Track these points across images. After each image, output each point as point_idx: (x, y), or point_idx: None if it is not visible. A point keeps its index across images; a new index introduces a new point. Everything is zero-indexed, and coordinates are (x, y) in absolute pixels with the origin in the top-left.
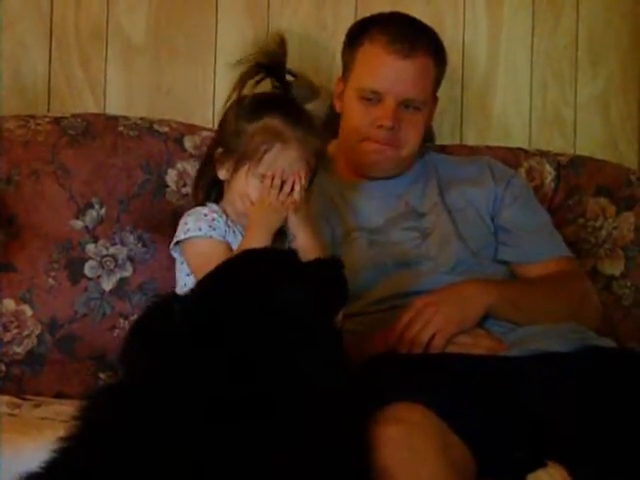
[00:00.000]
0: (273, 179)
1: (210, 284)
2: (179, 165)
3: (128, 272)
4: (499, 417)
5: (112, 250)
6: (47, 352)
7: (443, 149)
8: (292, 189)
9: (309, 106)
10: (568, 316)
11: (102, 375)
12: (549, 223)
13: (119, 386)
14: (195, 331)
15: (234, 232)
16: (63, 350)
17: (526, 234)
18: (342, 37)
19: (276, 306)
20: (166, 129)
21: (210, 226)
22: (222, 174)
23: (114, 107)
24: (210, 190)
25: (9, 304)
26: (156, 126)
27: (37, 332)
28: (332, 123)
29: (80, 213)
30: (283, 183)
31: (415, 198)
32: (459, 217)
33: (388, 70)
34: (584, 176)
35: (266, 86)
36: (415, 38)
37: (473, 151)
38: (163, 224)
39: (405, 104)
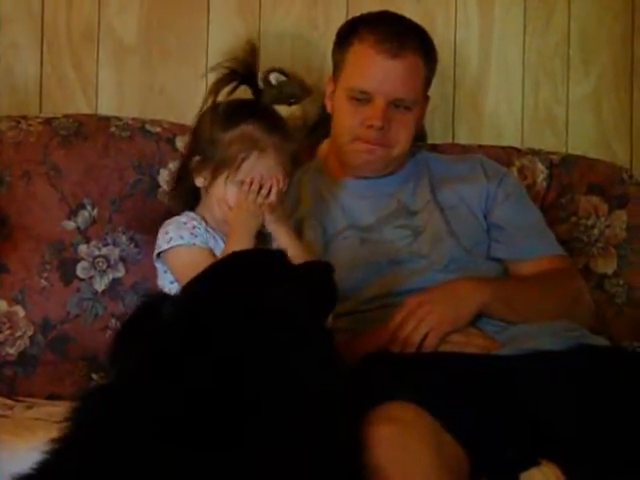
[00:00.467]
0: (251, 184)
1: (199, 285)
2: (171, 165)
3: (120, 273)
4: (492, 416)
5: (104, 251)
6: (39, 353)
7: (435, 148)
8: (269, 192)
9: (301, 106)
10: (561, 314)
11: (95, 376)
12: (542, 221)
13: (110, 387)
14: (184, 332)
15: (214, 238)
16: (56, 351)
17: (519, 231)
18: (333, 37)
19: (265, 307)
20: (158, 129)
21: (192, 234)
22: (200, 182)
23: (106, 108)
24: (187, 197)
25: (1, 305)
26: (148, 126)
27: (29, 333)
28: (324, 123)
29: (72, 214)
30: (261, 187)
31: (407, 196)
32: (451, 215)
33: (377, 70)
34: (576, 174)
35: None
36: (404, 37)
37: (465, 150)
38: (155, 224)
39: (395, 104)
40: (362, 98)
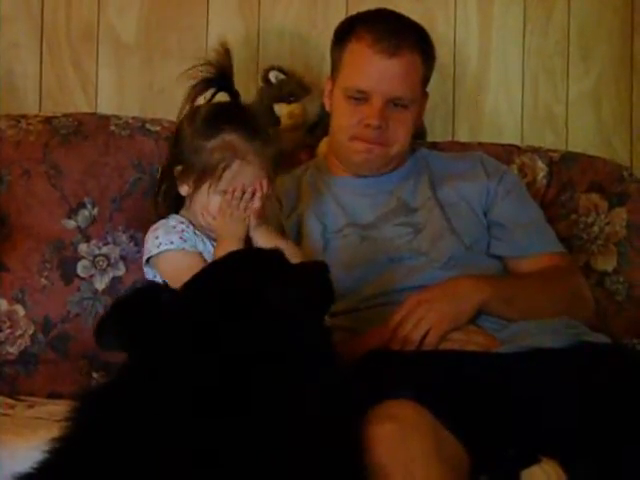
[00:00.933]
0: (234, 192)
1: (199, 282)
2: None
3: (121, 271)
4: (492, 414)
5: (104, 249)
6: (40, 352)
7: (435, 146)
8: (253, 197)
9: (300, 104)
10: (561, 312)
11: (95, 375)
12: (542, 218)
13: (110, 386)
14: (183, 325)
15: (203, 241)
16: (56, 350)
17: (519, 228)
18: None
19: (265, 304)
20: (158, 128)
21: (181, 238)
22: (184, 190)
23: (106, 106)
24: (171, 203)
25: (2, 304)
26: (148, 125)
27: (30, 332)
28: (323, 121)
29: (72, 213)
30: (244, 192)
31: (407, 194)
32: (452, 212)
33: (374, 69)
34: (576, 172)
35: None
36: (401, 35)
37: (465, 148)
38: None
39: (393, 102)
40: (359, 97)
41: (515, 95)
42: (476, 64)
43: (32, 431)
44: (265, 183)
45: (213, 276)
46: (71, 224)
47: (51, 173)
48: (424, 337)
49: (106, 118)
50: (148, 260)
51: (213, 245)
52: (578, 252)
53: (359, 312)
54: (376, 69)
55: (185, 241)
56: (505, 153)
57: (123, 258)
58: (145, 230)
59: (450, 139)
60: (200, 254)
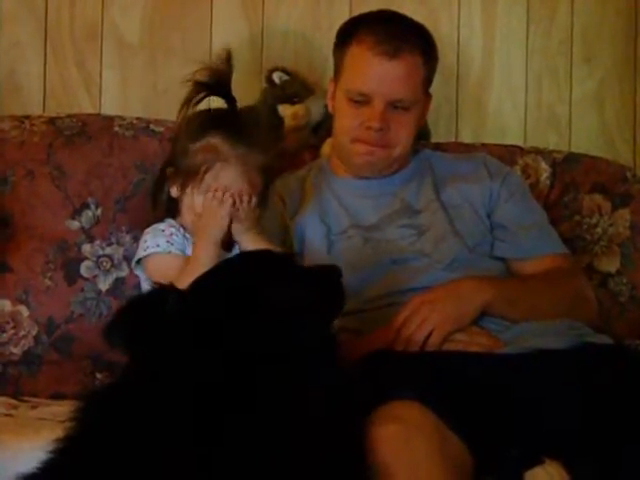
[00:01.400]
0: (216, 191)
1: (206, 281)
2: None
3: (124, 272)
4: (496, 415)
5: (108, 250)
6: (44, 352)
7: (438, 147)
8: (234, 202)
9: (304, 104)
10: (564, 313)
11: (99, 375)
12: (545, 219)
13: (115, 386)
14: (190, 326)
15: (193, 244)
16: (60, 350)
17: (522, 230)
18: None
19: (270, 304)
20: (162, 129)
21: (168, 241)
22: (174, 191)
23: (109, 107)
24: (168, 206)
25: (6, 305)
26: (152, 126)
27: (34, 332)
28: (327, 122)
29: (76, 213)
30: (231, 197)
31: (410, 195)
32: (455, 214)
33: (375, 72)
34: (579, 173)
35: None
36: (402, 37)
37: (468, 149)
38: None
39: (394, 104)
40: (361, 100)
41: (518, 96)
42: (480, 65)
43: (35, 432)
44: (246, 190)
45: (220, 275)
46: (75, 225)
47: (55, 174)
48: (427, 338)
49: (110, 119)
50: (139, 262)
51: None
52: (581, 253)
53: (363, 313)
54: (377, 72)
55: (172, 244)
56: (508, 154)
57: (127, 259)
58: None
59: (453, 140)
60: (186, 257)
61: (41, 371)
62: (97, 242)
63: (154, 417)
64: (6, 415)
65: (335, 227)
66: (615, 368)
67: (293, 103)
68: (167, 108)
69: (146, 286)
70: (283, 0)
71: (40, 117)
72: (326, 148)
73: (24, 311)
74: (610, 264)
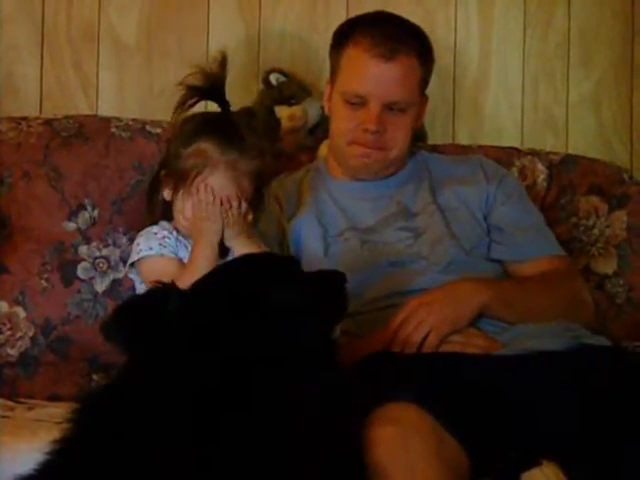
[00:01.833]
0: (205, 191)
1: (207, 282)
2: None
3: (121, 273)
4: (493, 416)
5: (105, 251)
6: (40, 354)
7: (435, 148)
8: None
9: (301, 106)
10: (561, 315)
11: (95, 377)
12: (542, 221)
13: (111, 387)
14: (190, 326)
15: (186, 247)
16: (56, 352)
17: (519, 232)
18: None
19: (268, 307)
20: (158, 130)
21: (161, 244)
22: (166, 194)
23: (106, 108)
24: (163, 209)
25: (2, 306)
26: (148, 127)
27: (30, 334)
28: (324, 123)
29: (72, 215)
30: (221, 201)
31: (407, 198)
32: (452, 216)
33: (371, 74)
34: (576, 175)
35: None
36: (398, 39)
37: (465, 150)
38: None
39: (390, 106)
40: (357, 102)
41: (515, 98)
42: (476, 67)
43: (32, 433)
44: (235, 196)
45: (222, 277)
46: (71, 226)
47: (51, 175)
48: (424, 339)
49: (107, 120)
50: (132, 266)
51: None
52: (578, 255)
53: (360, 315)
54: (373, 74)
55: (165, 247)
56: (505, 156)
57: (123, 260)
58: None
59: (450, 141)
60: (180, 260)
61: (38, 372)
62: (94, 243)
63: (151, 418)
64: (3, 417)
65: (332, 229)
66: (612, 370)
67: (290, 105)
68: (164, 109)
69: (140, 289)
70: (280, 1)
71: (37, 118)
72: (323, 150)
73: (20, 312)
74: (607, 266)
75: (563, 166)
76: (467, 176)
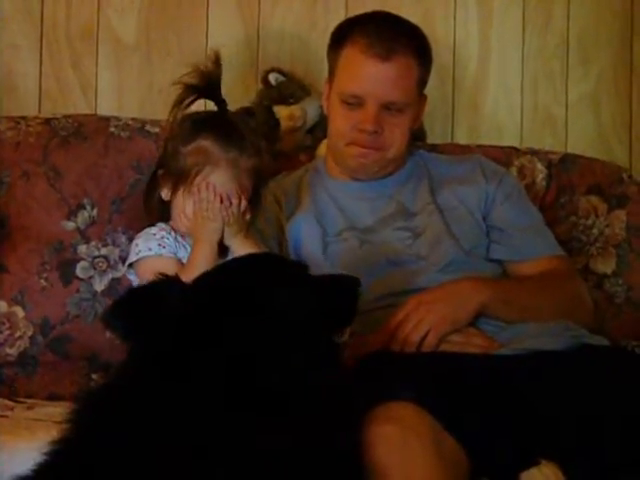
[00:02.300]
0: (207, 189)
1: (211, 277)
2: None
3: (120, 272)
4: (492, 416)
5: (104, 251)
6: (39, 353)
7: (434, 148)
8: (222, 202)
9: (300, 105)
10: (560, 314)
11: (94, 376)
12: (541, 221)
13: (109, 387)
14: (191, 320)
15: (184, 247)
16: (55, 351)
17: (518, 232)
18: None
19: (271, 306)
20: (157, 129)
21: (160, 245)
22: (164, 194)
23: (105, 108)
24: (161, 209)
25: (1, 306)
26: (147, 126)
27: (29, 333)
28: (323, 123)
29: (72, 214)
30: (221, 200)
31: (406, 198)
32: (451, 216)
33: (368, 74)
34: (576, 174)
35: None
36: (395, 39)
37: (464, 150)
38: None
39: (387, 107)
40: (354, 102)
41: (514, 97)
42: (476, 66)
43: (31, 432)
44: (235, 193)
45: (224, 273)
46: (70, 225)
47: (50, 174)
48: (423, 339)
49: (106, 119)
50: (131, 266)
51: None
52: (577, 254)
53: (359, 315)
54: (370, 74)
55: (164, 247)
56: (504, 155)
57: (122, 259)
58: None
59: (449, 141)
60: (178, 260)
61: (37, 372)
62: (93, 243)
63: (150, 417)
64: (2, 416)
65: (331, 229)
66: (611, 369)
67: (289, 104)
68: (163, 109)
69: None
70: (279, 1)
71: (36, 118)
72: (322, 149)
73: (19, 312)
74: (606, 265)
75: (562, 166)
76: (466, 176)
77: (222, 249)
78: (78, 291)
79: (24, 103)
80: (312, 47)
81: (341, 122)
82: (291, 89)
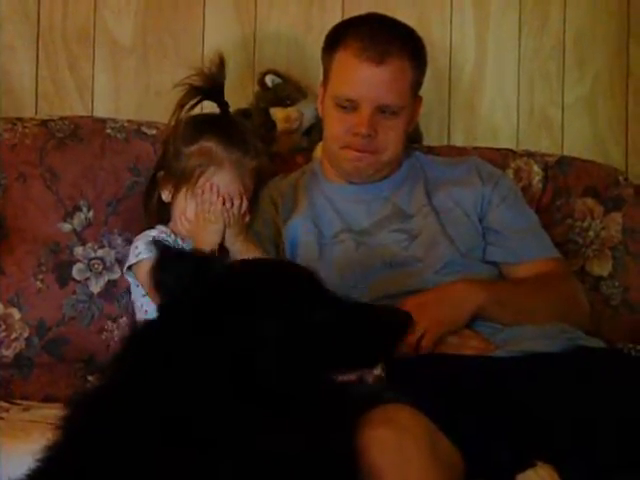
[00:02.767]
0: (209, 192)
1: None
2: None
3: (116, 274)
4: (488, 418)
5: (100, 253)
6: (35, 355)
7: (431, 150)
8: (225, 204)
9: (296, 108)
10: (557, 317)
11: (90, 378)
12: (537, 223)
13: (102, 389)
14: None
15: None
16: (51, 353)
17: (514, 234)
18: None
19: (301, 320)
20: (154, 131)
21: None
22: (165, 196)
23: (102, 109)
24: (161, 211)
25: None
26: (144, 128)
27: (25, 335)
28: (320, 125)
29: (68, 216)
30: (224, 200)
31: (402, 200)
32: (447, 218)
33: (361, 78)
34: (572, 177)
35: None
36: (388, 42)
37: (461, 152)
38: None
39: (381, 110)
40: (348, 106)
41: (511, 99)
42: (472, 68)
43: (27, 434)
44: (238, 194)
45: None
46: (67, 227)
47: (47, 176)
48: (419, 341)
49: (102, 121)
50: (130, 269)
51: None
52: (573, 257)
53: None
54: (363, 77)
55: None
56: (500, 157)
57: (119, 261)
58: (141, 233)
59: (446, 143)
60: None
61: (33, 374)
62: (89, 245)
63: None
64: None
65: (327, 231)
66: (607, 371)
67: (285, 106)
68: (159, 111)
69: (137, 292)
70: (275, 3)
71: (32, 119)
72: (319, 151)
73: (15, 314)
74: (602, 268)
75: (558, 168)
76: (462, 178)
77: (222, 251)
78: (74, 293)
79: (20, 105)
80: (308, 49)
81: (336, 125)
82: (287, 91)
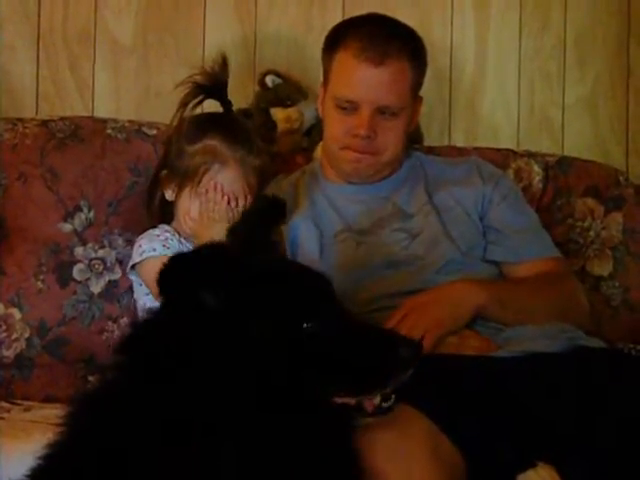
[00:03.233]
0: (210, 191)
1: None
2: None
3: (117, 275)
4: (489, 418)
5: (101, 253)
6: (36, 355)
7: (431, 150)
8: (229, 203)
9: (297, 108)
10: (557, 316)
11: (91, 378)
12: (538, 223)
13: (103, 388)
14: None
15: (188, 249)
16: (52, 353)
17: (515, 234)
18: None
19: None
20: (154, 132)
21: (164, 245)
22: (168, 195)
23: (102, 110)
24: (163, 210)
25: None
26: (144, 129)
27: (26, 335)
28: (320, 125)
29: (68, 216)
30: (228, 199)
31: (403, 199)
32: (448, 217)
33: (361, 79)
34: (572, 177)
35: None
36: (388, 43)
37: (461, 152)
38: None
39: (381, 111)
40: (348, 107)
41: (511, 99)
42: (472, 68)
43: (28, 434)
44: (242, 192)
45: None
46: (67, 227)
47: (47, 176)
48: (420, 341)
49: (103, 121)
50: (134, 267)
51: None
52: (574, 256)
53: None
54: (363, 79)
55: (168, 248)
56: (501, 157)
57: (119, 261)
58: (141, 233)
59: (446, 143)
60: None
61: (33, 374)
62: (90, 245)
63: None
64: None
65: (327, 231)
66: (607, 371)
67: (286, 106)
68: (160, 111)
69: (140, 291)
70: (276, 3)
71: (33, 120)
72: (319, 151)
73: (16, 314)
74: (602, 268)
75: (559, 168)
76: (463, 178)
77: None
78: (75, 293)
79: (21, 105)
80: (309, 49)
81: (335, 126)
82: (288, 91)
